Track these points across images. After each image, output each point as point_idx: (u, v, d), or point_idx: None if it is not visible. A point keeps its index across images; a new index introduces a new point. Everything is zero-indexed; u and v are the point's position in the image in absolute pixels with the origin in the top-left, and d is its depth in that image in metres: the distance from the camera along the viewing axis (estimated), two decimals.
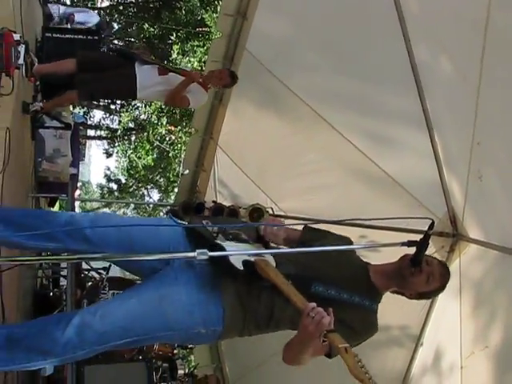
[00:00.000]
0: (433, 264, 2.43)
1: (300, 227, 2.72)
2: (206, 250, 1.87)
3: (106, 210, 25.90)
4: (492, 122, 2.92)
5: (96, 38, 6.69)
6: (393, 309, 2.57)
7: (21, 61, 2.51)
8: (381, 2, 3.58)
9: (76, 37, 6.57)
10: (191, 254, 1.87)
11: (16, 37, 2.44)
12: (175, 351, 6.33)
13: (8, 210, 2.43)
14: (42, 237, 2.20)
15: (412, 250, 2.34)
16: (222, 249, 2.14)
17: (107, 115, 17.12)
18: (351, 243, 2.63)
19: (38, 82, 6.35)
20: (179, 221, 2.44)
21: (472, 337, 3.48)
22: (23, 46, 2.52)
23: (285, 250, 2.38)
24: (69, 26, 8.19)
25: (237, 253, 2.16)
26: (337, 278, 2.36)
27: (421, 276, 2.37)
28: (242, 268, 2.13)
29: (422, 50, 3.40)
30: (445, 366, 3.80)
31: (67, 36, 6.51)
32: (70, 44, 6.35)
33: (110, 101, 15.97)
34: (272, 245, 2.52)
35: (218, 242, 2.20)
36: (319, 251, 2.36)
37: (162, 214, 15.52)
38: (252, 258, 2.18)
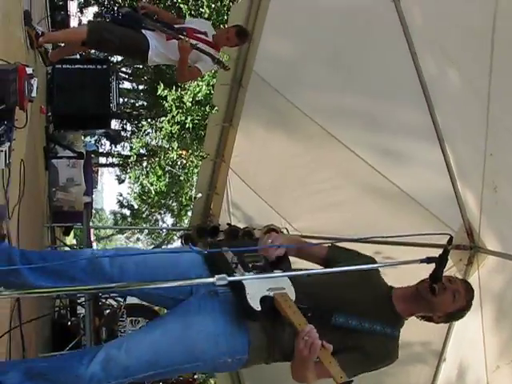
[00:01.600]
0: (456, 281, 2.40)
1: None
2: (224, 275, 1.86)
3: (120, 236, 26.03)
4: (504, 132, 2.91)
5: (105, 66, 6.80)
6: (414, 325, 2.54)
7: (34, 93, 2.55)
8: (385, 17, 3.60)
9: (86, 67, 6.67)
10: (210, 280, 1.87)
11: (29, 70, 2.49)
12: (195, 376, 6.30)
13: (31, 253, 2.40)
14: (65, 280, 2.19)
15: (430, 267, 2.31)
16: (242, 285, 2.12)
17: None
18: (375, 263, 2.59)
19: (49, 113, 6.45)
20: (198, 248, 2.44)
21: (496, 350, 3.43)
22: (36, 79, 2.56)
23: (302, 272, 2.36)
24: (78, 57, 8.32)
25: (254, 277, 2.15)
26: (359, 307, 2.34)
27: (446, 294, 2.34)
28: (259, 309, 2.11)
29: (429, 63, 3.41)
30: (470, 382, 3.74)
31: (77, 66, 6.61)
32: (80, 75, 6.45)
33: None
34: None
35: (237, 275, 2.17)
36: (335, 272, 2.32)
37: (175, 238, 15.55)
38: (271, 293, 2.16)
